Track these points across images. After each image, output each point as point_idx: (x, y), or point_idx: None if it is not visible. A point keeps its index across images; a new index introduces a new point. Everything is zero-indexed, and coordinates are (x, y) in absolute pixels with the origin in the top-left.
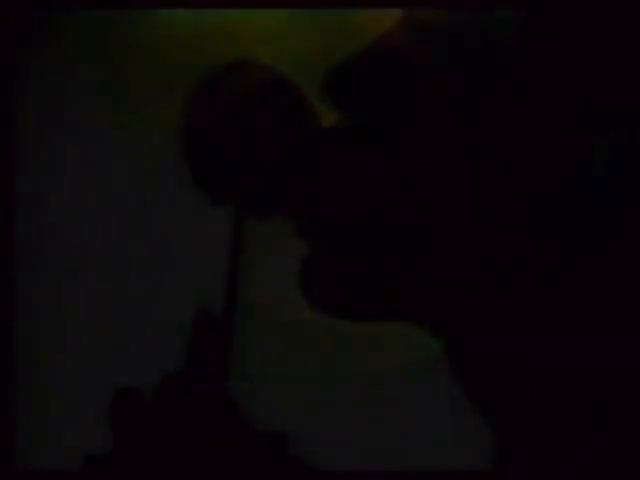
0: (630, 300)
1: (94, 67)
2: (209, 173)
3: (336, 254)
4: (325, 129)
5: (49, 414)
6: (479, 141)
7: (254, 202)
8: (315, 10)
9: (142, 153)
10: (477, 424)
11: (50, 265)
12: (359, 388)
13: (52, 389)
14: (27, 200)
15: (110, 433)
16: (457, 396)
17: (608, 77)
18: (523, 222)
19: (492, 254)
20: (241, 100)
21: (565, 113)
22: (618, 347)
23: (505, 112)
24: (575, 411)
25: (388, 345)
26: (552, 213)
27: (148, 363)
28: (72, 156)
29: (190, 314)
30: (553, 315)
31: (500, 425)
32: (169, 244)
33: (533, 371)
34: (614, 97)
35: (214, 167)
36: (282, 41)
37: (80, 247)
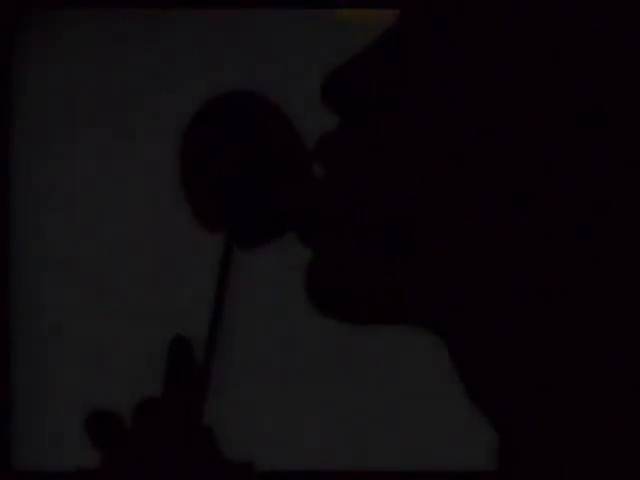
0: (632, 299)
1: (94, 68)
2: (202, 200)
3: (340, 258)
4: (323, 135)
5: (47, 416)
6: (481, 140)
7: (244, 233)
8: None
9: (142, 167)
10: (480, 424)
11: (48, 265)
12: (358, 388)
13: (50, 390)
14: (23, 208)
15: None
16: (460, 396)
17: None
18: (524, 221)
19: (495, 252)
20: (235, 131)
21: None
22: (623, 345)
23: (508, 110)
24: (580, 409)
25: (388, 345)
26: (552, 211)
27: (146, 369)
28: (70, 159)
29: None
30: (555, 312)
31: (503, 424)
32: (162, 263)
33: (537, 370)
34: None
35: (207, 195)
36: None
37: (78, 254)
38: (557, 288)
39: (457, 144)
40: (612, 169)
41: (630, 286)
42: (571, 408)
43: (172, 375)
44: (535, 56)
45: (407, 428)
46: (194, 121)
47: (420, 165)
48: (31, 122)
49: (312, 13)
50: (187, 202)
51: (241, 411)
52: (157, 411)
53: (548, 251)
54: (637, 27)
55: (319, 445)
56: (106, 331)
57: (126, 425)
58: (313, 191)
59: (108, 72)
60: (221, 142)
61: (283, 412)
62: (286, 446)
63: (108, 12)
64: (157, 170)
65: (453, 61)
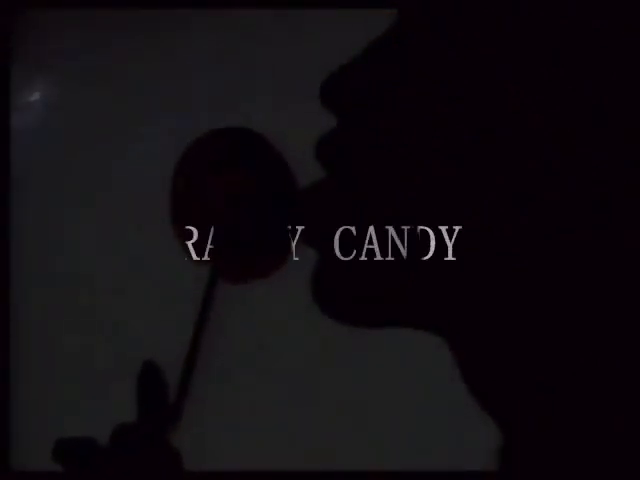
0: (632, 299)
1: (93, 68)
2: (190, 232)
3: (346, 262)
4: (323, 136)
5: (46, 415)
6: (481, 140)
7: (231, 267)
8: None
9: (142, 167)
10: (480, 424)
11: (48, 264)
12: (359, 388)
13: (49, 390)
14: (23, 209)
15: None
16: (461, 395)
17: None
18: (524, 221)
19: (495, 252)
20: (227, 166)
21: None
22: (623, 344)
23: (508, 110)
24: (582, 409)
25: (389, 344)
26: (552, 211)
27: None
28: (70, 158)
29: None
30: (556, 312)
31: (505, 423)
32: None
33: (537, 370)
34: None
35: (196, 227)
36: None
37: (79, 264)
38: (557, 288)
39: (457, 144)
40: (612, 169)
41: (630, 286)
42: (571, 408)
43: (143, 401)
44: (535, 56)
45: (407, 428)
46: (183, 158)
47: (420, 165)
48: (30, 122)
49: (312, 13)
50: (176, 235)
51: (242, 410)
52: (130, 436)
53: (548, 251)
54: (637, 27)
55: (319, 445)
56: (99, 340)
57: (99, 446)
58: (313, 193)
59: (108, 72)
60: (210, 178)
61: (283, 412)
62: (286, 446)
63: (108, 12)
64: (157, 171)
65: (453, 61)
